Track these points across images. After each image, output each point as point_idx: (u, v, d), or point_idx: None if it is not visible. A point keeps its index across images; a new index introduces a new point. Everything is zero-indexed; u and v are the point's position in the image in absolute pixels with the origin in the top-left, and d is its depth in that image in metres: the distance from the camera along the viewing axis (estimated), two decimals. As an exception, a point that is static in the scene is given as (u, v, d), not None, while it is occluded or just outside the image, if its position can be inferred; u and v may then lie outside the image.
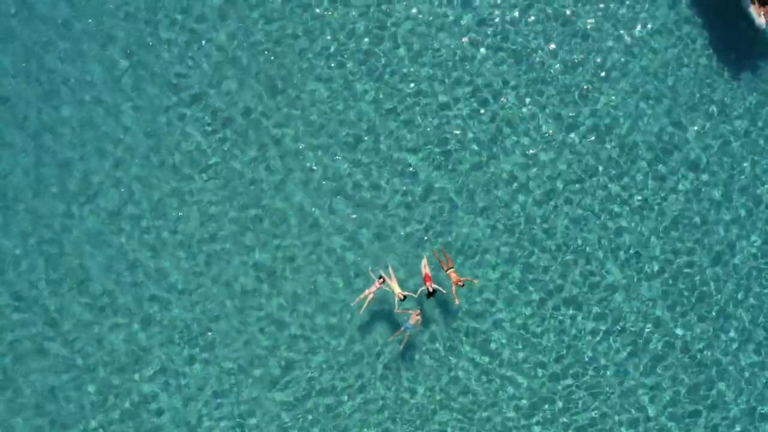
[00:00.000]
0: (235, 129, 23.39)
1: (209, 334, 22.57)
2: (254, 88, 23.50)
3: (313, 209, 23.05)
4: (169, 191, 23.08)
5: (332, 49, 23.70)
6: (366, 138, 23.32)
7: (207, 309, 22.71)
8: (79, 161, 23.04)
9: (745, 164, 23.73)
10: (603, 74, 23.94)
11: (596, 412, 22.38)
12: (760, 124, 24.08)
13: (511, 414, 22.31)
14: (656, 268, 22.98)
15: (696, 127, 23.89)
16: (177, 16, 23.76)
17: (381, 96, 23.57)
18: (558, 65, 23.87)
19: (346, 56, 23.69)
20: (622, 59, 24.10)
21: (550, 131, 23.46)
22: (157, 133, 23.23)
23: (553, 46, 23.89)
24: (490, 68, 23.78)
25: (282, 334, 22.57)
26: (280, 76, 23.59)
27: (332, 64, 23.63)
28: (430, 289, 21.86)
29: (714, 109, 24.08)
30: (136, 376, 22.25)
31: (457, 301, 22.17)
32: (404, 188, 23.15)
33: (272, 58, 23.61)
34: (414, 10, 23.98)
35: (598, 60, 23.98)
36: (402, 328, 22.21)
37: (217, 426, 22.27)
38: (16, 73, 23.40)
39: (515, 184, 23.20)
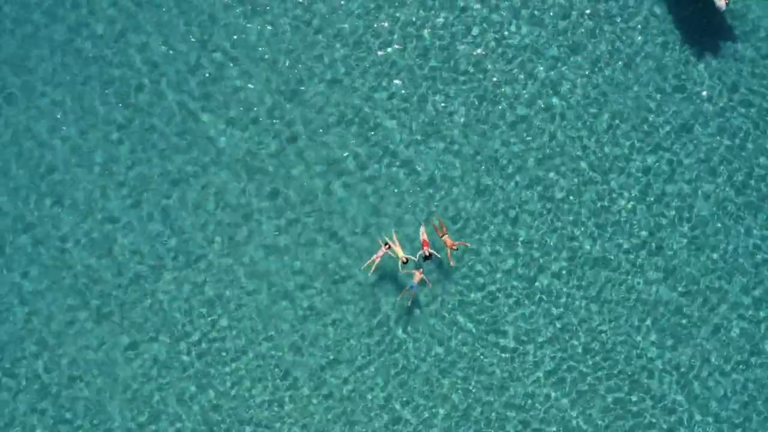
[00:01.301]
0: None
1: (223, 301, 25.67)
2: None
3: (327, 186, 26.31)
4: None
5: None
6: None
7: (222, 280, 25.74)
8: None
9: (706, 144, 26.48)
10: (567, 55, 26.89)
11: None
12: (720, 103, 26.45)
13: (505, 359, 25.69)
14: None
15: (653, 105, 26.45)
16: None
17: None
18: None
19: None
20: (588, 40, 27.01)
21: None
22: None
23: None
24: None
25: (303, 295, 25.81)
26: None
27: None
28: (427, 253, 24.94)
29: (673, 88, 26.56)
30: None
31: (451, 263, 25.28)
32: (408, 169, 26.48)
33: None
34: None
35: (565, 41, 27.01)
36: (408, 287, 25.38)
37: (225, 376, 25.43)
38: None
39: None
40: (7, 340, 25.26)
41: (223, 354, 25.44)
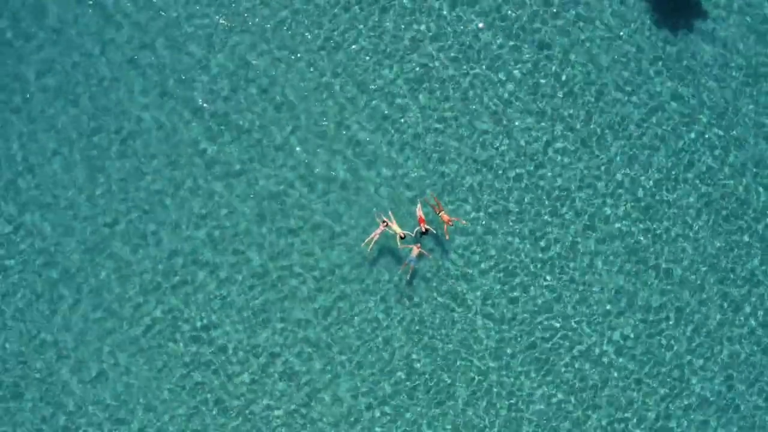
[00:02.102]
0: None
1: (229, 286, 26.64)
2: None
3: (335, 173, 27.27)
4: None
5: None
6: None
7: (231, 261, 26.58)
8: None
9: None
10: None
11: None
12: (698, 88, 27.11)
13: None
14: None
15: (629, 88, 27.20)
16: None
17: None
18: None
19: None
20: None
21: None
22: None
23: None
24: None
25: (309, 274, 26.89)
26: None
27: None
28: (423, 229, 25.97)
29: (649, 76, 27.19)
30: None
31: (447, 237, 26.23)
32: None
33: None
34: None
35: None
36: (406, 261, 26.46)
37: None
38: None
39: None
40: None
41: (228, 332, 26.50)
